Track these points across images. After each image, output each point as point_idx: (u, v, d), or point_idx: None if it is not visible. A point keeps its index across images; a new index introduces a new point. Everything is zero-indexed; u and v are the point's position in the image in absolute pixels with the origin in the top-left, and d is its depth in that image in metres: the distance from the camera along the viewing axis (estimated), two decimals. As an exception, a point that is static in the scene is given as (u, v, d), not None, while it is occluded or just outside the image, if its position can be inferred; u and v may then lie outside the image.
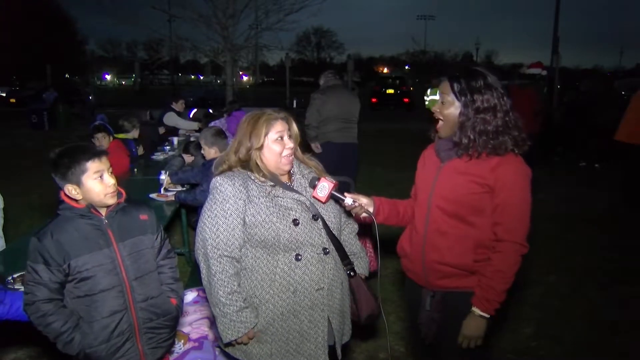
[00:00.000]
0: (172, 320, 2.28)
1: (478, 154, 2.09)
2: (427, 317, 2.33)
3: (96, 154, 2.08)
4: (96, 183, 2.05)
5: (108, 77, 70.89)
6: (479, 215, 2.13)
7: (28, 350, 3.49)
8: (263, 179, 2.12)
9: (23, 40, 34.68)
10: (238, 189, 2.08)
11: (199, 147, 5.49)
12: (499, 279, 2.09)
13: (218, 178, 2.14)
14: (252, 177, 2.13)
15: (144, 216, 2.24)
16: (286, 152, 2.17)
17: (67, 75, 41.06)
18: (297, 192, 2.17)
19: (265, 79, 42.74)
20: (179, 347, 2.78)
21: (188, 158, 5.43)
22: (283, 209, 2.10)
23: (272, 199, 2.10)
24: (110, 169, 2.12)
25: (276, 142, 2.16)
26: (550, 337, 3.81)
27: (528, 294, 4.47)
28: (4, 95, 26.82)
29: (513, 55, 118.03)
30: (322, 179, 2.15)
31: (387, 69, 68.80)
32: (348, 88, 5.87)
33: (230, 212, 2.06)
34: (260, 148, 2.15)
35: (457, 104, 2.11)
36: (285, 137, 2.17)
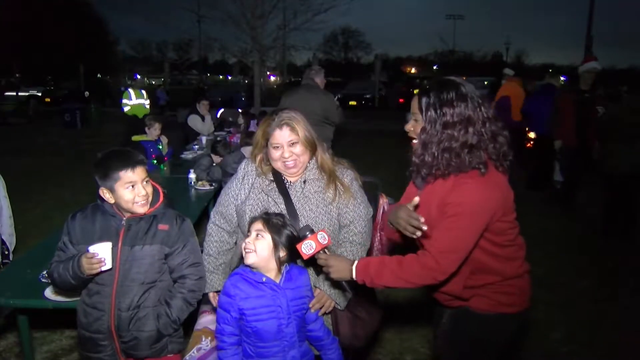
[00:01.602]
0: (148, 339, 2.26)
1: (442, 173, 1.93)
2: (442, 329, 2.30)
3: (130, 164, 2.14)
4: (127, 192, 2.14)
5: (138, 76, 72.15)
6: None
7: (61, 343, 3.59)
8: (267, 175, 2.37)
9: (56, 40, 35.52)
10: (248, 174, 2.41)
11: (226, 146, 5.57)
12: (392, 274, 1.93)
13: (242, 162, 2.50)
14: (262, 170, 2.39)
15: (163, 226, 2.26)
16: (285, 157, 2.28)
17: (99, 75, 41.95)
18: (283, 194, 2.32)
19: (293, 79, 42.79)
20: (206, 344, 2.80)
21: (216, 158, 5.51)
22: (264, 203, 2.32)
23: (265, 194, 2.34)
24: (147, 179, 2.18)
25: (275, 149, 2.29)
26: (581, 343, 3.72)
27: (558, 299, 4.39)
28: (40, 95, 27.50)
29: (544, 54, 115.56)
30: (314, 235, 2.01)
31: (415, 69, 68.34)
32: (316, 88, 5.72)
33: (232, 190, 2.44)
34: (266, 149, 2.35)
35: (423, 120, 1.96)
36: (285, 144, 2.27)
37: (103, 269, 2.10)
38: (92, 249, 2.07)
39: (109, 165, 2.13)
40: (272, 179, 2.37)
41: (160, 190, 2.32)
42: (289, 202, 2.30)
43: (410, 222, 1.93)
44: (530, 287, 2.15)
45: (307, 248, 2.00)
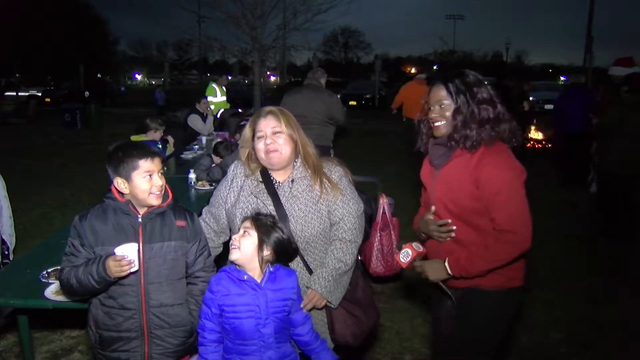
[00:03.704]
0: (185, 332, 2.24)
1: (479, 144, 2.12)
2: (447, 314, 2.36)
3: (150, 154, 2.14)
4: (144, 181, 2.11)
5: (138, 76, 72.24)
6: (483, 215, 2.13)
7: (61, 343, 3.59)
8: (255, 174, 2.37)
9: (56, 40, 35.52)
10: (237, 176, 2.41)
11: (227, 147, 5.56)
12: (483, 259, 2.10)
13: (233, 163, 2.50)
14: (250, 168, 2.39)
15: (181, 223, 2.24)
16: (270, 150, 2.28)
17: (99, 75, 41.96)
18: (272, 195, 2.30)
19: (293, 79, 42.68)
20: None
21: (217, 159, 5.49)
22: (253, 205, 2.31)
23: (254, 196, 2.33)
24: (162, 171, 2.18)
25: (259, 139, 2.30)
26: (581, 344, 3.73)
27: (559, 298, 4.39)
28: (40, 95, 27.42)
29: (544, 55, 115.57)
30: (409, 244, 2.25)
31: (415, 69, 68.31)
32: (318, 87, 5.80)
33: (222, 192, 2.44)
34: (253, 145, 2.35)
35: (455, 103, 2.16)
36: (269, 132, 2.29)
37: (132, 270, 2.05)
38: (119, 250, 2.01)
39: (127, 154, 2.12)
40: (260, 179, 2.36)
41: (167, 187, 2.31)
42: (278, 203, 2.29)
43: (441, 230, 2.21)
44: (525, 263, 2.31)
45: (404, 256, 2.23)
